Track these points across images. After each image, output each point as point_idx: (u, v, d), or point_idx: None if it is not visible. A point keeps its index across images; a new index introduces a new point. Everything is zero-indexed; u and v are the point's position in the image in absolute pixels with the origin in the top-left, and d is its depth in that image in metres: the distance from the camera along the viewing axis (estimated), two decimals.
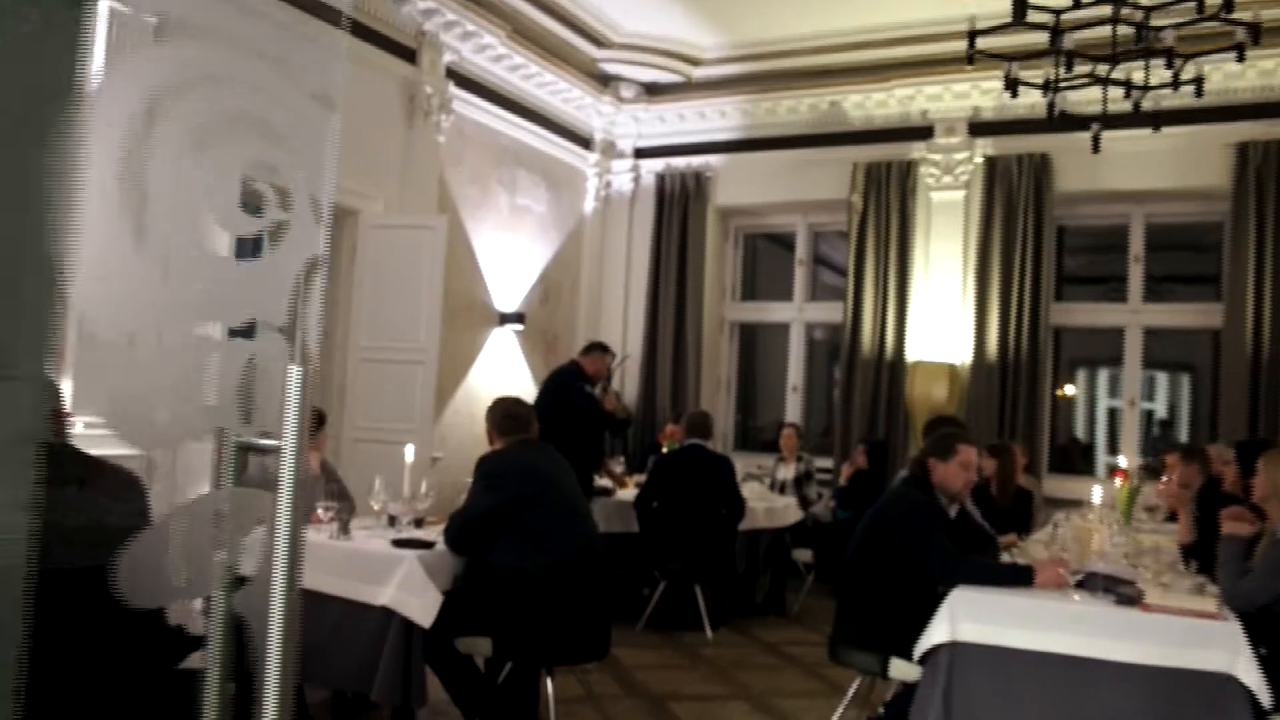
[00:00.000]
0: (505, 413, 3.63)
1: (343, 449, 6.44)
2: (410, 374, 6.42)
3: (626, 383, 8.87)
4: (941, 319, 7.84)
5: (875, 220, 8.10)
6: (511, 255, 8.27)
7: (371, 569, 3.24)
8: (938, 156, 7.95)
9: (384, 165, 6.89)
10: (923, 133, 8.04)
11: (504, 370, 8.18)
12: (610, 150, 9.28)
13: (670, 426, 7.40)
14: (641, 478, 6.27)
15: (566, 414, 5.78)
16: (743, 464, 7.72)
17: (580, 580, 3.36)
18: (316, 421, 3.97)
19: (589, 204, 9.23)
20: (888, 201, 8.06)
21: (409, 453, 3.79)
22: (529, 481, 3.41)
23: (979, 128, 7.90)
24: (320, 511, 3.50)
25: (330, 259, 6.81)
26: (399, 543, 3.35)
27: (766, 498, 6.60)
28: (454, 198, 7.65)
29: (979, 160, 7.83)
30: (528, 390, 8.02)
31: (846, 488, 6.84)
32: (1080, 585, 2.96)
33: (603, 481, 6.29)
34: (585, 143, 9.12)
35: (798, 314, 8.91)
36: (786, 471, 7.35)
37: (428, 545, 3.34)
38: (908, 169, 8.03)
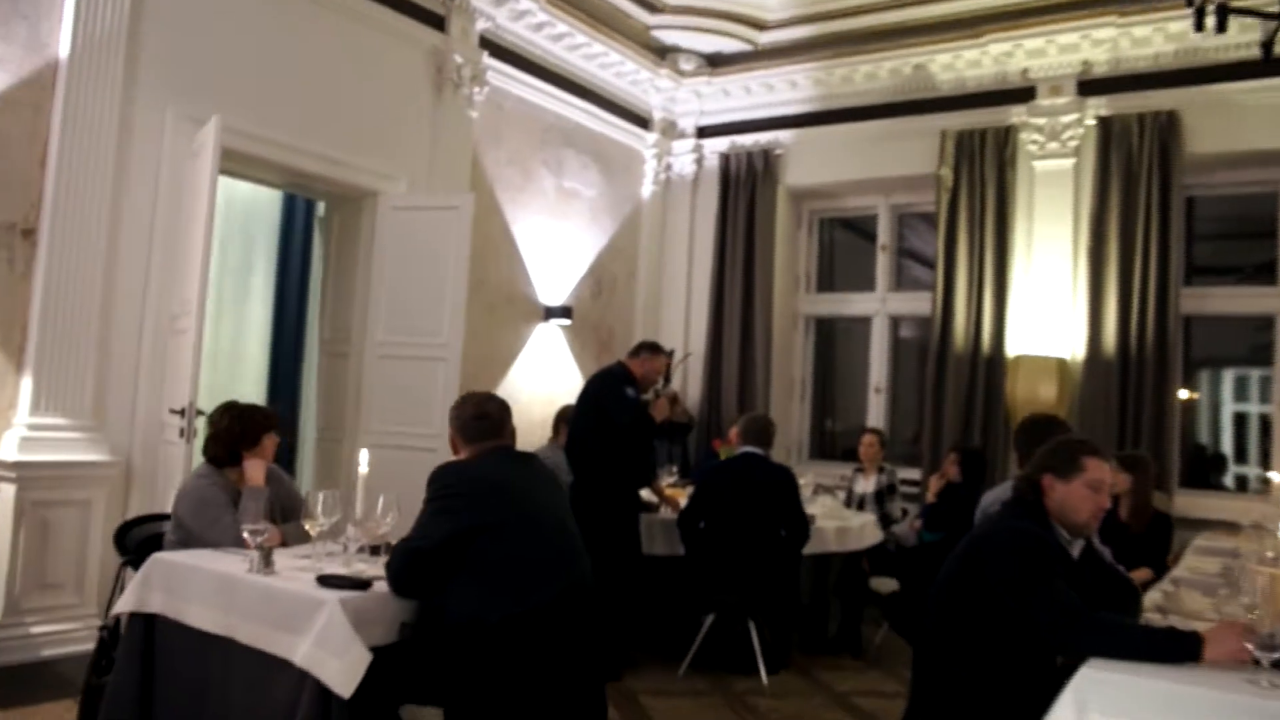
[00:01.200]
0: (474, 412, 2.80)
1: (356, 455, 5.75)
2: (431, 372, 5.70)
3: (689, 383, 8.06)
4: (1048, 308, 6.77)
5: (968, 196, 7.10)
6: (558, 244, 7.52)
7: (290, 614, 2.46)
8: (1041, 120, 6.89)
9: (408, 142, 6.22)
10: (1023, 94, 7.02)
11: (549, 369, 7.44)
12: (670, 130, 8.48)
13: (733, 430, 6.50)
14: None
15: (606, 420, 4.99)
16: (818, 475, 6.82)
17: (562, 634, 2.52)
18: (264, 422, 3.25)
19: (646, 188, 8.43)
20: (983, 174, 7.06)
21: (363, 460, 3.01)
22: (494, 502, 2.58)
23: (1090, 85, 6.81)
24: (247, 535, 2.76)
25: (345, 245, 6.21)
26: (326, 580, 2.56)
27: (839, 515, 5.65)
28: (490, 179, 6.94)
29: (1090, 122, 6.75)
30: (576, 391, 7.25)
31: (935, 504, 5.78)
32: (1278, 665, 2.01)
33: (649, 496, 5.45)
34: (642, 121, 8.33)
35: (880, 305, 7.94)
36: (866, 484, 6.37)
37: (363, 585, 2.55)
38: (1006, 136, 7.02)
